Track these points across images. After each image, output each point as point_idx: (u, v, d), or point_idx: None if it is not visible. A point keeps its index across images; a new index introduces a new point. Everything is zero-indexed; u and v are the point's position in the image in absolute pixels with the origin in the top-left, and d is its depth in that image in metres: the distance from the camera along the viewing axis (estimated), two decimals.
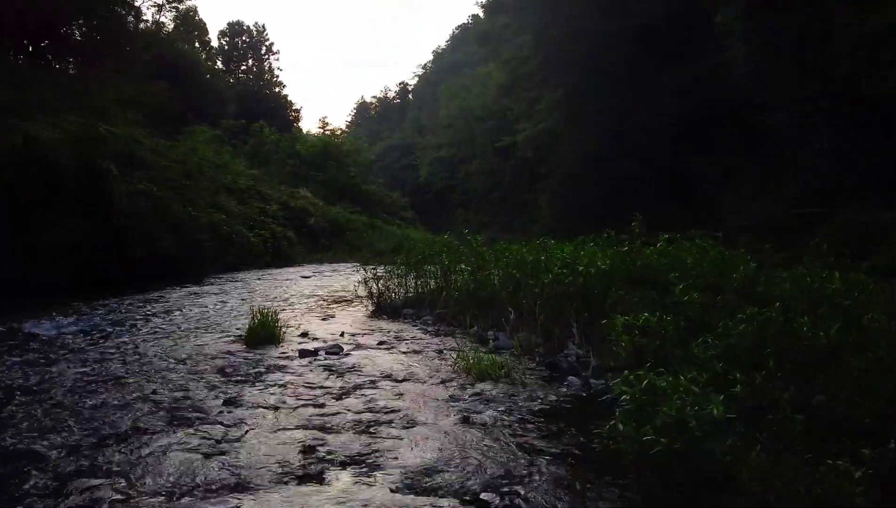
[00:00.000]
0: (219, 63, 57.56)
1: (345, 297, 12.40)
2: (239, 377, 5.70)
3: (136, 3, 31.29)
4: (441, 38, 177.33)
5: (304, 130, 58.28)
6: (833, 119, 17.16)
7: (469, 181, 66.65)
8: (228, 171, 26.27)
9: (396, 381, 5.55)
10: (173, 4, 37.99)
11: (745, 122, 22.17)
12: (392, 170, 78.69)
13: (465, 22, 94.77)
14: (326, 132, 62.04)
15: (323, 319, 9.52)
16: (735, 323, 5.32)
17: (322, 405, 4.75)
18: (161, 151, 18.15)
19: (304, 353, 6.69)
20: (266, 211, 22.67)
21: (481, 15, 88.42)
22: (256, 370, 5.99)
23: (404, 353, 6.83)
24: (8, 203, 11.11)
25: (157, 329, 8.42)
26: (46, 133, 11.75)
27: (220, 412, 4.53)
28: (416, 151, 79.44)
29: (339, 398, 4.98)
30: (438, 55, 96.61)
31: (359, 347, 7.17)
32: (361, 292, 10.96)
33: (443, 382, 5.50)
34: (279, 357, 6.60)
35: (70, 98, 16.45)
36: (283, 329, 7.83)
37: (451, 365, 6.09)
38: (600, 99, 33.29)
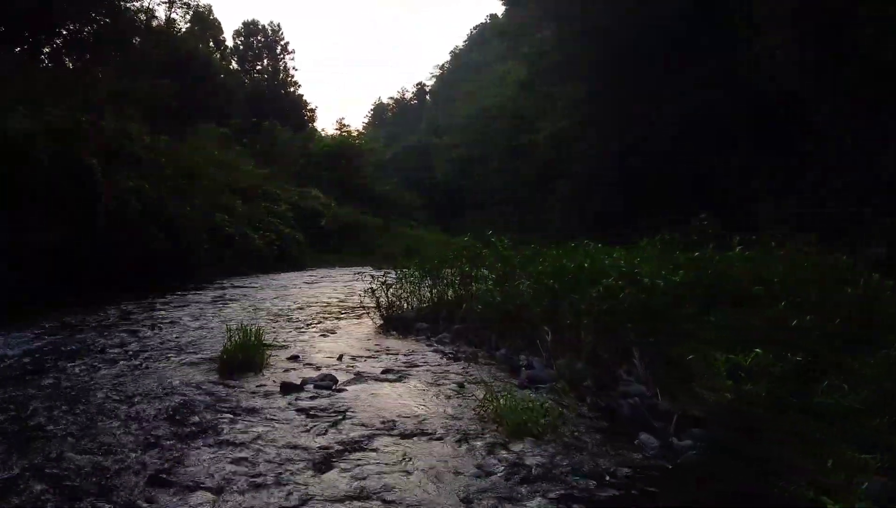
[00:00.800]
0: (234, 63, 56.69)
1: (351, 306, 10.95)
2: (191, 427, 4.23)
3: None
4: (442, 38, 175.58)
5: (320, 130, 57.38)
6: (875, 111, 15.66)
7: (485, 182, 65.27)
8: (235, 169, 25.02)
9: (402, 437, 4.05)
10: (184, 0, 37.07)
11: (779, 116, 20.53)
12: (408, 171, 77.38)
13: (483, 21, 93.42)
14: (343, 133, 61.06)
15: (322, 335, 8.06)
16: (878, 360, 3.78)
17: (291, 484, 3.27)
18: (158, 148, 16.86)
19: (286, 387, 5.22)
20: (274, 211, 21.36)
21: (499, 14, 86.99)
22: (219, 414, 4.53)
23: (415, 388, 5.33)
24: None
25: (120, 351, 7.00)
26: (18, 124, 10.44)
27: (135, 501, 3.07)
28: (432, 151, 78.23)
29: (317, 469, 3.49)
30: (456, 55, 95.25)
31: (358, 377, 5.69)
32: (369, 301, 9.48)
33: (465, 438, 3.99)
34: (254, 393, 5.14)
35: (59, 90, 15.25)
36: (269, 352, 6.39)
37: (475, 409, 4.58)
38: (623, 95, 31.73)
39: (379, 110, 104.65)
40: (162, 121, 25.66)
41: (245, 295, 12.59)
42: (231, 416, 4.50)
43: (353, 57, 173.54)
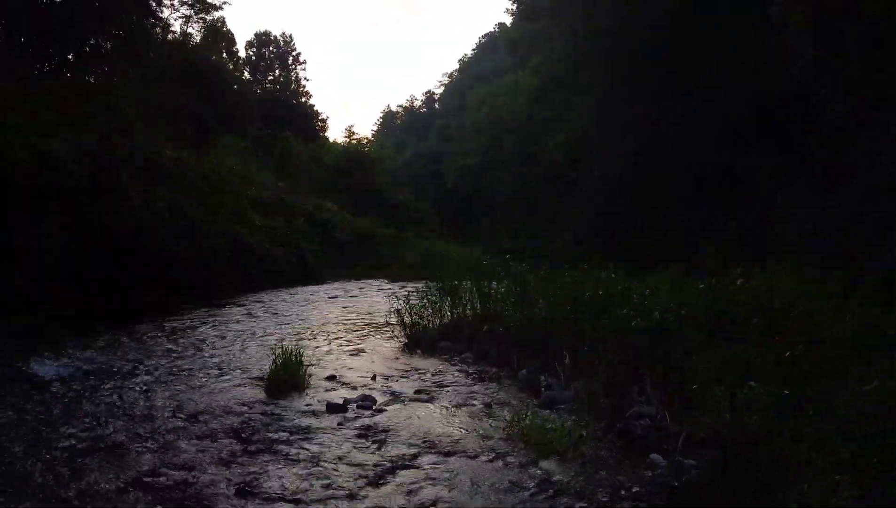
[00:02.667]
0: (246, 73, 57.66)
1: (374, 323, 11.58)
2: (257, 445, 4.85)
3: (163, 15, 31.16)
4: (449, 41, 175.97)
5: (331, 139, 58.26)
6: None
7: (496, 189, 65.76)
8: (254, 182, 25.79)
9: (442, 454, 4.64)
10: (200, 15, 37.91)
11: (802, 115, 20.47)
12: (419, 178, 78.13)
13: (492, 30, 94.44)
14: (353, 141, 61.92)
15: (352, 354, 8.67)
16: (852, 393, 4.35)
17: (354, 497, 3.87)
18: (184, 162, 17.59)
19: (331, 408, 5.82)
20: (292, 225, 22.02)
21: (508, 24, 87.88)
22: (278, 433, 5.14)
23: (447, 408, 5.92)
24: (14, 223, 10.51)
25: (169, 369, 7.64)
26: (62, 150, 11.15)
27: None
28: (442, 159, 78.91)
29: (375, 483, 4.09)
30: (465, 63, 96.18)
31: (394, 397, 6.28)
32: (393, 320, 10.05)
33: (498, 456, 4.58)
34: (304, 413, 5.75)
35: (92, 106, 16.00)
36: (308, 372, 6.99)
37: (504, 429, 5.17)
38: (637, 98, 32.03)
39: (388, 118, 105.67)
40: (182, 132, 26.45)
41: (272, 313, 13.18)
42: (288, 435, 5.11)
43: (357, 59, 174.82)
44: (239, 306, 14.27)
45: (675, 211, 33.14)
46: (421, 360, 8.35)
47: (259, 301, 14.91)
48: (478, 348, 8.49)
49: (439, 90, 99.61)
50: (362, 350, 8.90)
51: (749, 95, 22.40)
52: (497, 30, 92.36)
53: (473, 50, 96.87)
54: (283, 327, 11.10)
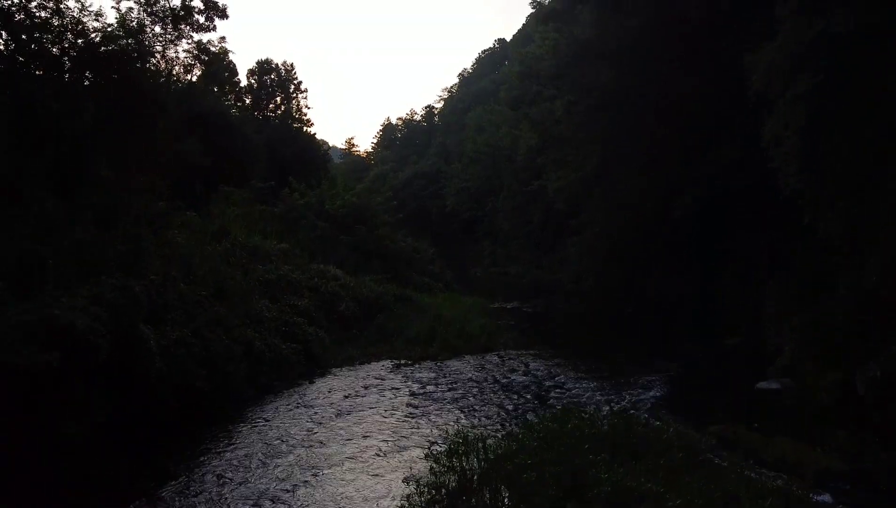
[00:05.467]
0: (247, 101, 58.24)
1: (386, 468, 12.29)
2: None
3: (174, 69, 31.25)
4: (449, 40, 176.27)
5: (331, 144, 58.72)
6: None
7: (496, 215, 66.48)
8: (259, 252, 26.23)
9: None
10: (203, 64, 38.31)
11: (792, 226, 21.03)
12: (419, 198, 78.93)
13: (492, 46, 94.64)
14: (353, 153, 62.30)
15: None
16: None
17: None
18: (195, 274, 17.98)
19: None
20: (298, 308, 22.46)
21: (507, 39, 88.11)
22: None
23: None
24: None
25: None
26: (82, 319, 11.60)
27: None
28: (442, 178, 79.68)
29: None
30: (465, 78, 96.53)
31: None
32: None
33: None
34: None
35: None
36: None
37: None
38: (633, 162, 32.75)
39: (388, 131, 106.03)
40: (186, 189, 26.69)
41: (282, 451, 13.46)
42: None
43: (357, 58, 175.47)
44: (252, 427, 14.77)
45: (673, 264, 33.66)
46: None
47: (268, 420, 15.30)
48: None
49: (439, 105, 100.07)
50: None
51: (748, 181, 22.88)
52: (497, 46, 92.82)
53: (473, 65, 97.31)
54: (296, 477, 11.64)
